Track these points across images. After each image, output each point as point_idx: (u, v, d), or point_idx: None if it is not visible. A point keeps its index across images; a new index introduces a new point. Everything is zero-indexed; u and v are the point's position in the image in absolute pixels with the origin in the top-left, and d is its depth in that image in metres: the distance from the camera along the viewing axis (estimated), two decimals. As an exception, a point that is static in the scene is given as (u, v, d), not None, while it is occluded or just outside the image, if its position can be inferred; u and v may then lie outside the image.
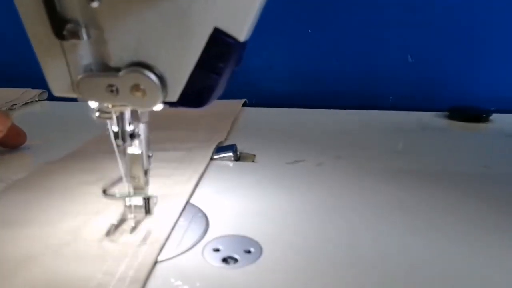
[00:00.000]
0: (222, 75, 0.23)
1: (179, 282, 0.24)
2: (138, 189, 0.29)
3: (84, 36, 0.22)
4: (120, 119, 0.26)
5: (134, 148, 0.27)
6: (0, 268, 0.25)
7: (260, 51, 0.67)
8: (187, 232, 0.29)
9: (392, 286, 0.24)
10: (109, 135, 0.27)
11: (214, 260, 0.26)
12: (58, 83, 0.24)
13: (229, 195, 0.35)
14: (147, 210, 0.29)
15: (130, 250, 0.26)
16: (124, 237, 0.28)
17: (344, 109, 0.64)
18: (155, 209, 0.30)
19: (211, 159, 0.42)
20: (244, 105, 0.66)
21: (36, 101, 0.69)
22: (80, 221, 0.30)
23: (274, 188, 0.36)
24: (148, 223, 0.29)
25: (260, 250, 0.27)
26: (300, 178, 0.38)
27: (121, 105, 0.25)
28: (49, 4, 0.21)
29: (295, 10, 0.66)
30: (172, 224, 0.29)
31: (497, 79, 0.65)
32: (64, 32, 0.22)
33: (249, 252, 0.27)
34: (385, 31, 0.64)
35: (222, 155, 0.43)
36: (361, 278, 0.25)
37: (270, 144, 0.48)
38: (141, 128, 0.28)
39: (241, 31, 0.22)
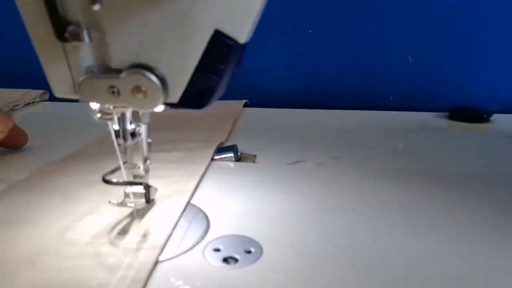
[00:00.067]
0: (223, 76, 0.23)
1: (179, 282, 0.24)
2: (138, 177, 0.29)
3: (86, 38, 0.22)
4: (121, 119, 0.27)
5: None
6: (2, 268, 0.25)
7: (260, 51, 0.67)
8: (187, 232, 0.29)
9: (392, 286, 0.24)
10: (110, 134, 0.27)
11: (215, 260, 0.26)
12: (60, 85, 0.24)
13: (229, 196, 0.35)
14: (147, 199, 0.29)
15: (131, 250, 0.26)
16: (125, 237, 0.28)
17: (345, 109, 0.64)
18: (155, 210, 0.31)
19: (212, 159, 0.42)
20: (245, 105, 0.66)
21: (37, 101, 0.69)
22: (82, 221, 0.30)
23: (275, 189, 0.36)
24: (148, 223, 0.29)
25: (260, 250, 0.27)
26: (300, 179, 0.38)
27: (122, 107, 0.25)
28: (50, 3, 0.21)
29: (295, 10, 0.66)
30: (173, 224, 0.29)
31: (498, 79, 0.65)
32: (66, 35, 0.22)
33: (249, 252, 0.27)
34: (385, 31, 0.64)
35: (223, 156, 0.43)
36: (361, 278, 0.25)
37: (270, 145, 0.48)
38: (142, 127, 0.28)
39: (242, 33, 0.22)
